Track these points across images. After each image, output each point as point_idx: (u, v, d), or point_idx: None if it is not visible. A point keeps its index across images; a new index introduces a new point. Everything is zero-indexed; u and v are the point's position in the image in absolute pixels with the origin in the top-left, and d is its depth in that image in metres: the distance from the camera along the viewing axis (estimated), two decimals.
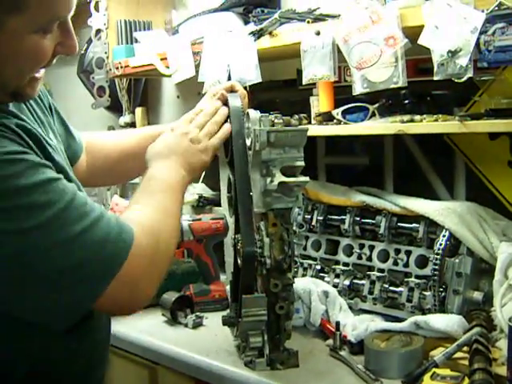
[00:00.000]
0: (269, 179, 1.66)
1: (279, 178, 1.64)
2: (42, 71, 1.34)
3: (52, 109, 1.64)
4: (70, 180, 1.32)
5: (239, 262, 1.74)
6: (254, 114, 1.71)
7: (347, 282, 2.08)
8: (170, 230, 1.40)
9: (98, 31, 2.99)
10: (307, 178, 1.68)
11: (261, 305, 1.69)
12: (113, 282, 1.22)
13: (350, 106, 2.04)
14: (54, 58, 1.31)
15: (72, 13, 1.28)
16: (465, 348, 1.61)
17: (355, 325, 1.84)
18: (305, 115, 2.08)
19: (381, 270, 2.03)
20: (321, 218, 2.19)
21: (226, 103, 1.72)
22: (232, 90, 1.79)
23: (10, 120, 1.27)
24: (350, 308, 2.02)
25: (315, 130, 2.07)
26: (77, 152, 1.75)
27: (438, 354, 1.60)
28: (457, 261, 1.85)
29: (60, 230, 1.18)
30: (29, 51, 1.24)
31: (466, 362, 1.55)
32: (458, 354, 1.60)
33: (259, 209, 1.70)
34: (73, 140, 1.74)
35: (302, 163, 1.69)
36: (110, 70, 2.91)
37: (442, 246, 1.85)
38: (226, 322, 1.86)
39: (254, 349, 1.74)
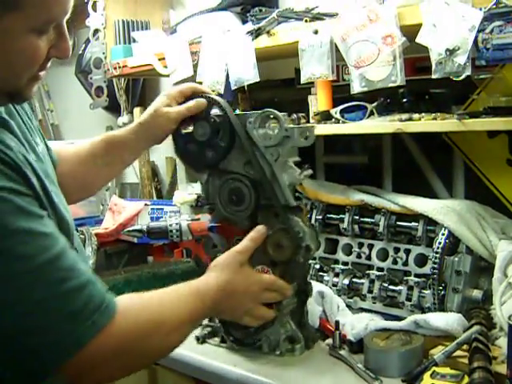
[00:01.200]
0: (297, 172, 1.72)
1: (304, 171, 1.74)
2: (42, 73, 1.32)
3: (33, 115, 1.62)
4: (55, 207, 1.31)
5: None
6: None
7: (346, 281, 2.08)
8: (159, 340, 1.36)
9: (96, 31, 2.99)
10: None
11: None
12: (70, 361, 1.17)
13: (348, 104, 2.04)
14: (48, 60, 1.30)
15: (68, 16, 1.28)
16: (464, 346, 1.60)
17: (354, 324, 1.83)
18: (303, 114, 2.08)
19: (380, 269, 2.03)
20: (320, 217, 2.19)
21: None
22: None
23: (3, 148, 1.22)
24: (349, 307, 2.02)
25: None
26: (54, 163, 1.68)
27: (437, 352, 1.59)
28: (456, 259, 1.85)
29: (27, 287, 1.13)
30: (23, 51, 1.23)
31: (466, 361, 1.55)
32: (458, 353, 1.60)
33: (292, 202, 1.72)
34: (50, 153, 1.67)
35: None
36: (108, 70, 2.91)
37: (441, 245, 1.85)
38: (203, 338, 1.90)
39: (288, 338, 1.80)
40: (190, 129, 1.74)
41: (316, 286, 1.98)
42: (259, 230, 1.69)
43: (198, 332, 1.90)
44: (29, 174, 1.24)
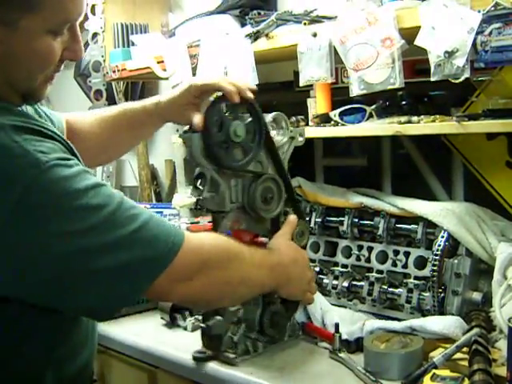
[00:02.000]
0: None
1: None
2: (56, 74, 1.35)
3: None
4: None
5: None
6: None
7: (346, 284, 2.08)
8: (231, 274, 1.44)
9: (95, 34, 3.00)
10: None
11: None
12: (158, 279, 1.26)
13: (347, 107, 2.04)
14: (61, 62, 1.33)
15: (82, 18, 1.31)
16: (464, 349, 1.60)
17: (348, 323, 1.85)
18: (302, 117, 2.09)
19: (380, 272, 2.03)
20: (319, 219, 2.19)
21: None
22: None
23: (51, 127, 1.31)
24: (345, 308, 2.04)
25: (313, 131, 2.07)
26: None
27: (437, 355, 1.59)
28: (456, 261, 1.85)
29: (110, 231, 1.22)
30: (39, 52, 1.26)
31: (466, 363, 1.55)
32: (458, 355, 1.60)
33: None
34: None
35: None
36: (107, 73, 2.91)
37: (441, 247, 1.85)
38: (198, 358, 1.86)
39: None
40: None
41: None
42: (294, 218, 1.77)
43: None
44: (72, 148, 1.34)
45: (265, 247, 1.67)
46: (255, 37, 2.15)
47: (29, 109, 1.45)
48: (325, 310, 1.95)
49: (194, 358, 1.82)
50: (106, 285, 1.23)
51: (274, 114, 1.78)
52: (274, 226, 1.79)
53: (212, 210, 1.75)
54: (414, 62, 2.00)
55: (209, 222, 2.27)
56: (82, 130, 1.81)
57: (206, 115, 1.63)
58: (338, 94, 2.12)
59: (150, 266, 1.26)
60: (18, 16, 1.20)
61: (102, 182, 1.27)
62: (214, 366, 1.79)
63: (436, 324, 1.73)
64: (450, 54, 1.67)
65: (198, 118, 1.63)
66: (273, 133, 1.78)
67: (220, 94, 1.66)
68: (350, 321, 1.90)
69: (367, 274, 2.04)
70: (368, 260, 2.07)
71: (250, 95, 1.66)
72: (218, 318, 1.76)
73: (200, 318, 2.10)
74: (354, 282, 2.08)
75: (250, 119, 1.70)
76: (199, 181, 1.75)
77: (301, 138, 1.86)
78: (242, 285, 1.48)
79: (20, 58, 1.26)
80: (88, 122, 1.84)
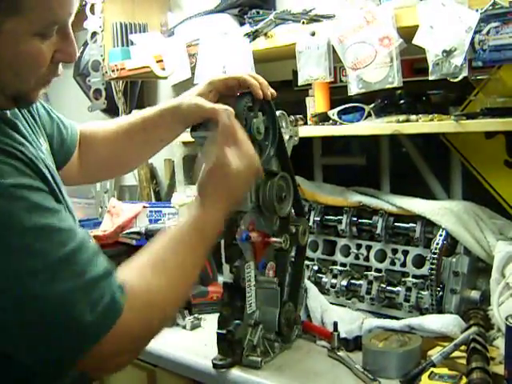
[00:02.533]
0: None
1: None
2: (50, 77, 1.31)
3: (39, 110, 1.61)
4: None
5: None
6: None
7: (345, 283, 2.08)
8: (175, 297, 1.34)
9: (94, 34, 2.99)
10: None
11: None
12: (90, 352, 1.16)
13: (345, 106, 2.04)
14: (56, 65, 1.29)
15: (72, 18, 1.26)
16: (462, 347, 1.61)
17: (347, 322, 1.85)
18: (301, 116, 2.09)
19: (378, 270, 2.04)
20: (318, 218, 2.19)
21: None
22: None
23: (12, 144, 1.23)
24: (344, 306, 2.05)
25: (311, 130, 2.08)
26: (70, 149, 1.70)
27: (435, 353, 1.60)
28: (454, 260, 1.85)
29: (45, 283, 1.12)
30: (26, 55, 1.22)
31: (464, 361, 1.55)
32: (456, 353, 1.60)
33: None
34: (65, 136, 1.69)
35: None
36: (106, 72, 2.91)
37: (439, 246, 1.86)
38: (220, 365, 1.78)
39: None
40: None
41: None
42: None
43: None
44: (42, 169, 1.25)
45: (279, 246, 1.70)
46: (254, 36, 2.15)
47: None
48: (324, 309, 1.95)
49: (215, 366, 1.75)
50: (38, 338, 1.15)
51: (277, 112, 1.76)
52: (282, 225, 1.78)
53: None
54: (413, 60, 2.00)
55: None
56: (94, 141, 1.76)
57: (236, 111, 1.51)
58: (337, 93, 2.12)
59: (82, 336, 1.15)
60: (2, 19, 1.15)
61: (55, 225, 1.16)
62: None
63: (434, 322, 1.74)
64: (448, 53, 1.67)
65: (223, 108, 1.50)
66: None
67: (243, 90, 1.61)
68: (348, 319, 1.90)
69: (366, 273, 2.05)
70: (367, 259, 2.08)
71: (273, 91, 1.62)
72: (237, 322, 1.73)
73: (199, 316, 2.11)
74: (353, 281, 2.08)
75: (264, 117, 1.65)
76: None
77: (296, 138, 1.87)
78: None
79: (6, 62, 1.21)
80: (102, 132, 1.78)
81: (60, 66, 1.32)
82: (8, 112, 1.33)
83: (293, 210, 1.83)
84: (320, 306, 1.96)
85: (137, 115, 1.76)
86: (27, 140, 1.33)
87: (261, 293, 1.75)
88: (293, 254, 1.86)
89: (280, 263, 1.79)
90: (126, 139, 1.74)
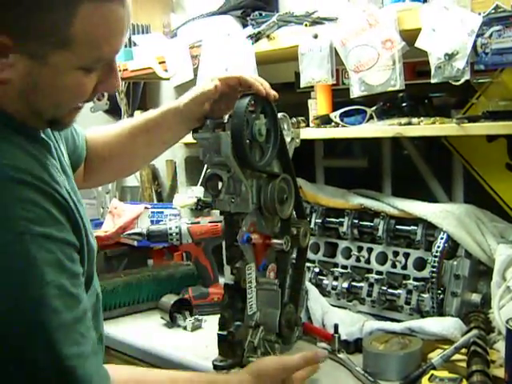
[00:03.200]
0: None
1: None
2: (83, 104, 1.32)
3: None
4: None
5: None
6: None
7: (346, 285, 2.08)
8: None
9: None
10: None
11: None
12: None
13: (347, 108, 2.04)
14: (94, 95, 1.29)
15: (119, 54, 1.27)
16: (463, 350, 1.61)
17: (348, 324, 1.85)
18: (303, 118, 2.09)
19: (379, 273, 2.04)
20: (319, 220, 2.19)
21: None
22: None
23: (50, 182, 1.21)
24: (345, 309, 2.05)
25: (313, 132, 2.08)
26: (81, 155, 1.70)
27: (435, 356, 1.60)
28: (455, 263, 1.85)
29: (48, 340, 1.13)
30: (69, 87, 1.22)
31: (464, 364, 1.55)
32: (456, 356, 1.60)
33: None
34: (77, 142, 1.69)
35: None
36: None
37: (440, 249, 1.86)
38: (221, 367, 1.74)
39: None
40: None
41: None
42: (316, 356, 1.57)
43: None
44: (75, 215, 1.24)
45: (280, 247, 1.69)
46: (256, 38, 2.15)
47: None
48: (324, 311, 1.96)
49: (216, 367, 1.72)
50: None
51: (278, 114, 1.75)
52: (283, 227, 1.78)
53: (230, 212, 1.66)
54: (415, 63, 2.00)
55: (210, 222, 2.29)
56: (96, 146, 1.75)
57: (238, 112, 1.54)
58: (339, 96, 2.12)
59: None
60: (49, 51, 1.16)
61: (70, 289, 1.17)
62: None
63: (435, 325, 1.74)
64: (450, 56, 1.68)
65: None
66: None
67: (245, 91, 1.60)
68: (349, 322, 1.90)
69: (367, 275, 2.05)
70: (368, 261, 2.08)
71: (275, 93, 1.61)
72: (238, 323, 1.71)
73: (200, 317, 2.11)
74: (354, 283, 2.08)
75: (266, 118, 1.64)
76: (211, 182, 1.65)
77: (297, 140, 1.87)
78: None
79: (47, 92, 1.22)
80: (104, 136, 1.77)
81: None
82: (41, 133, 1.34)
83: (294, 212, 1.83)
84: (321, 308, 1.96)
85: (139, 117, 1.77)
86: (58, 162, 1.34)
87: (261, 294, 1.74)
88: (294, 255, 1.86)
89: (281, 265, 1.79)
90: (129, 141, 1.74)
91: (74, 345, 1.15)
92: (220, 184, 1.63)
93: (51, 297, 1.13)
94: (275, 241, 1.71)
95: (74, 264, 1.22)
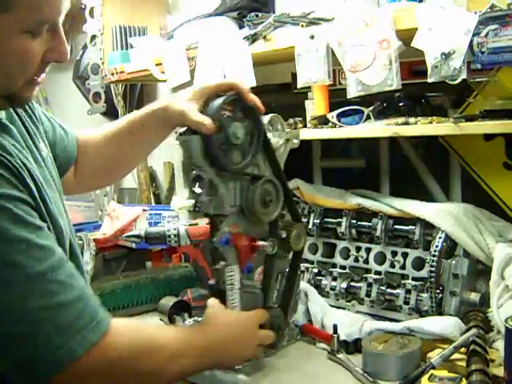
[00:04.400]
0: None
1: None
2: (42, 76, 1.32)
3: (41, 117, 1.61)
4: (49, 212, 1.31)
5: None
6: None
7: (344, 285, 2.08)
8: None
9: (93, 37, 3.00)
10: None
11: None
12: (59, 375, 1.18)
13: (345, 109, 2.04)
14: (45, 64, 1.30)
15: (62, 17, 1.27)
16: (462, 349, 1.61)
17: (347, 325, 1.85)
18: (300, 119, 2.09)
19: (378, 273, 2.03)
20: (317, 221, 2.19)
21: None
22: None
23: (5, 154, 1.24)
24: (344, 309, 2.05)
25: (311, 133, 2.08)
26: (72, 155, 1.71)
27: (435, 355, 1.59)
28: (453, 262, 1.85)
29: (18, 296, 1.15)
30: (16, 52, 1.22)
31: (464, 364, 1.55)
32: (456, 356, 1.60)
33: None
34: (67, 142, 1.69)
35: None
36: (106, 75, 2.92)
37: (439, 248, 1.86)
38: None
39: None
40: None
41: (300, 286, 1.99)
42: (265, 314, 1.68)
43: None
44: (28, 181, 1.25)
45: (264, 250, 1.68)
46: (253, 39, 2.15)
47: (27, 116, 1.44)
48: (324, 312, 1.96)
49: None
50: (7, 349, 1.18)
51: (269, 115, 1.77)
52: (271, 230, 1.77)
53: (210, 213, 1.69)
54: (411, 63, 2.00)
55: (207, 223, 2.29)
56: (87, 149, 1.76)
57: (209, 115, 1.57)
58: (336, 96, 2.12)
59: (50, 358, 1.17)
60: None
61: (37, 241, 1.19)
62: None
63: (434, 325, 1.74)
64: (446, 56, 1.68)
65: (207, 120, 1.54)
66: (269, 135, 1.77)
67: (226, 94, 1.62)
68: (348, 322, 1.90)
69: (365, 275, 2.05)
70: (366, 261, 2.08)
71: (253, 97, 1.62)
72: None
73: (199, 319, 2.10)
74: (353, 283, 2.08)
75: (247, 121, 1.66)
76: (196, 184, 1.68)
77: (296, 141, 1.86)
78: (170, 371, 1.36)
79: None
80: (93, 139, 1.77)
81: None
82: (4, 115, 1.34)
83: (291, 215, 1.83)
84: (320, 309, 1.96)
85: (124, 118, 1.77)
86: (20, 145, 1.34)
87: (245, 297, 1.74)
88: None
89: (266, 268, 1.78)
90: (114, 143, 1.75)
91: (47, 296, 1.16)
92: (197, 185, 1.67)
93: (14, 253, 1.14)
94: (260, 243, 1.71)
95: (35, 219, 1.22)
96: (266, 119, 1.77)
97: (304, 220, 2.21)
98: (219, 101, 1.59)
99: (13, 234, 1.15)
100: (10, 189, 1.18)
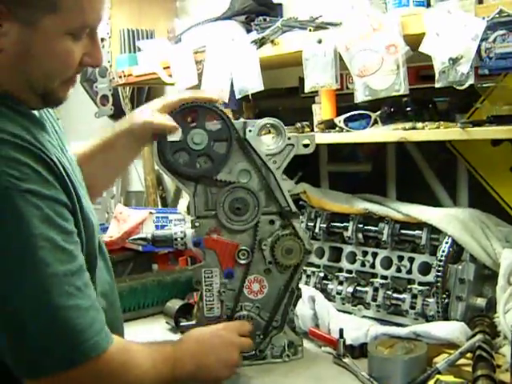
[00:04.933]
0: (290, 179, 1.86)
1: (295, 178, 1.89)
2: (77, 77, 1.37)
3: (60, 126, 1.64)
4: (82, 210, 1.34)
5: None
6: None
7: (350, 289, 2.08)
8: None
9: (101, 40, 3.00)
10: None
11: None
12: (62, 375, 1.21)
13: (352, 113, 2.04)
14: (81, 67, 1.34)
15: (100, 23, 1.33)
16: (468, 354, 1.60)
17: (353, 329, 1.85)
18: (307, 123, 2.09)
19: (384, 277, 2.03)
20: (324, 225, 2.19)
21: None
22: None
23: (43, 138, 1.28)
24: (350, 313, 2.05)
25: (318, 137, 2.08)
26: None
27: (441, 360, 1.59)
28: (460, 267, 1.85)
29: (35, 292, 1.18)
30: (58, 53, 1.27)
31: (470, 369, 1.54)
32: (462, 361, 1.60)
33: (294, 208, 1.79)
34: None
35: None
36: (113, 78, 2.93)
37: (445, 253, 1.86)
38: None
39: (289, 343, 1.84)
40: (178, 137, 1.70)
41: (306, 291, 1.99)
42: (246, 325, 1.73)
43: None
44: (66, 179, 1.28)
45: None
46: (261, 43, 2.16)
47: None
48: (330, 316, 1.95)
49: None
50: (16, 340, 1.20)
51: (263, 120, 1.76)
52: (254, 237, 1.78)
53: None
54: (419, 68, 2.00)
55: None
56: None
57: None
58: (343, 100, 2.12)
59: (60, 356, 1.20)
60: (39, 16, 1.21)
61: (62, 243, 1.22)
62: None
63: (440, 330, 1.73)
64: (454, 61, 1.68)
65: (170, 121, 1.68)
66: (267, 140, 1.78)
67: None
68: (354, 326, 1.90)
69: (372, 280, 2.05)
70: (372, 266, 2.07)
71: (213, 97, 1.72)
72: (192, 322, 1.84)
73: None
74: (359, 288, 2.08)
75: (215, 129, 1.72)
76: None
77: (304, 147, 1.81)
78: None
79: (39, 59, 1.26)
80: (78, 156, 1.76)
81: None
82: (36, 113, 1.37)
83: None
84: (327, 313, 1.96)
85: (99, 137, 1.80)
86: (53, 143, 1.36)
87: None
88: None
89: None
90: (89, 161, 1.76)
91: (65, 296, 1.19)
92: None
93: (38, 248, 1.17)
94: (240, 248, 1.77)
95: (66, 222, 1.25)
96: (262, 123, 1.76)
97: (310, 224, 2.21)
98: (178, 108, 1.70)
99: (40, 231, 1.18)
100: (46, 188, 1.21)
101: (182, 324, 1.89)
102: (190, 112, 1.72)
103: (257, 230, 1.77)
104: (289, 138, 1.77)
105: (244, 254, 1.78)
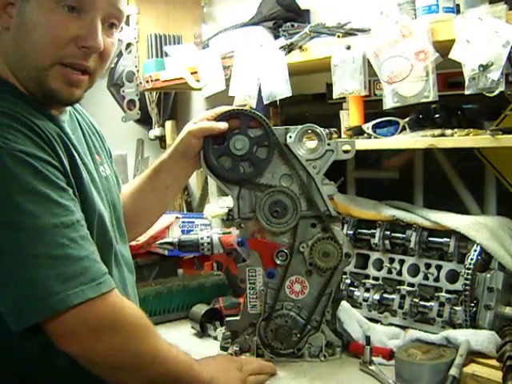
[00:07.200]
0: (332, 183, 1.84)
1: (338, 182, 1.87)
2: (84, 78, 1.37)
3: (107, 147, 1.70)
4: (92, 208, 1.36)
5: None
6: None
7: (377, 297, 2.07)
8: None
9: (129, 45, 3.03)
10: None
11: None
12: (51, 320, 1.22)
13: (380, 120, 2.04)
14: (76, 50, 1.32)
15: (104, 10, 1.33)
16: (498, 364, 1.59)
17: (387, 337, 1.85)
18: (335, 129, 2.09)
19: (411, 285, 2.02)
20: (351, 232, 2.19)
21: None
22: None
23: (46, 124, 1.30)
24: (377, 322, 2.04)
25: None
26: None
27: (470, 370, 1.58)
28: (488, 276, 1.84)
29: (26, 242, 1.19)
30: (48, 24, 1.27)
31: (500, 379, 1.53)
32: (491, 371, 1.59)
33: (333, 212, 1.84)
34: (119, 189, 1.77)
35: None
36: (141, 83, 2.95)
37: (474, 261, 1.84)
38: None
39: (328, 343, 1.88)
40: (223, 145, 1.77)
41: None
42: (270, 366, 1.75)
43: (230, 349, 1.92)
44: (59, 150, 1.30)
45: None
46: (289, 49, 2.16)
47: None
48: (366, 328, 1.93)
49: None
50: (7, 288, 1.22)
51: (306, 125, 1.81)
52: (293, 240, 1.82)
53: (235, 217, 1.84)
54: (448, 74, 2.00)
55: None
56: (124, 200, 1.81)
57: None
58: (371, 107, 2.12)
59: (44, 302, 1.21)
60: None
61: (56, 198, 1.24)
62: None
63: (470, 338, 1.71)
64: (484, 68, 1.67)
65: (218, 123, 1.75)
66: (301, 146, 1.81)
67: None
68: (391, 335, 1.91)
69: (398, 287, 2.04)
70: (399, 273, 2.06)
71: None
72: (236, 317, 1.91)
73: None
74: (385, 295, 2.07)
75: (258, 135, 1.78)
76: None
77: (344, 153, 1.84)
78: (155, 365, 1.39)
79: (29, 29, 1.27)
80: (126, 191, 1.85)
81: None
82: (67, 125, 1.41)
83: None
84: (359, 325, 1.94)
85: (145, 175, 1.87)
86: (75, 144, 1.39)
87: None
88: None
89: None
90: (138, 191, 1.84)
91: (52, 246, 1.21)
92: None
93: (28, 202, 1.19)
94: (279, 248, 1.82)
95: (61, 181, 1.27)
96: (301, 130, 1.79)
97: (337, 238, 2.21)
98: (221, 115, 1.78)
99: (32, 186, 1.20)
100: (37, 150, 1.23)
101: (227, 319, 1.95)
102: (231, 119, 1.77)
103: (296, 233, 1.81)
104: (328, 144, 1.80)
105: (282, 256, 1.82)
